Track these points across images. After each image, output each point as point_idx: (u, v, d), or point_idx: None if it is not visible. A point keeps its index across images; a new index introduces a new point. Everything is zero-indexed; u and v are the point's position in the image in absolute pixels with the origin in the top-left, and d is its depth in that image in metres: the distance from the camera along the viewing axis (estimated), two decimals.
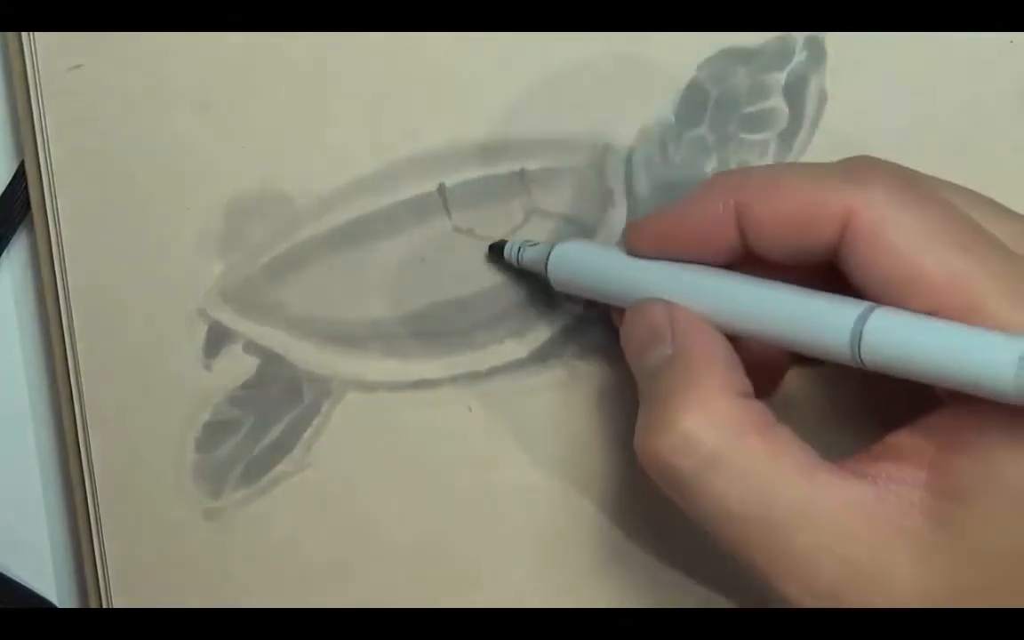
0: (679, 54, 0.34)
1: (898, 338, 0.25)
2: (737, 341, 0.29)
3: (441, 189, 0.34)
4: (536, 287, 0.35)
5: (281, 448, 0.35)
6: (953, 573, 0.26)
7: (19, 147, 0.35)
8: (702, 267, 0.30)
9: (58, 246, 0.34)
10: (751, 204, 0.28)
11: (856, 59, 0.34)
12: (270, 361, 0.35)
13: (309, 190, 0.34)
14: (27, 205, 0.35)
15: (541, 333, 0.35)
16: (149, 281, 0.34)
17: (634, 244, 0.31)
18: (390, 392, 0.35)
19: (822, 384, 0.34)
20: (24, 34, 0.33)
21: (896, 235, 0.26)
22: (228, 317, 0.34)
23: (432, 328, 0.35)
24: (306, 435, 0.35)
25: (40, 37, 0.33)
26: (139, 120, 0.34)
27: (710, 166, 0.34)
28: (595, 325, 0.35)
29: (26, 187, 0.35)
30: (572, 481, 0.35)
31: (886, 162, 0.28)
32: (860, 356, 0.26)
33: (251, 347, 0.35)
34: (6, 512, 0.36)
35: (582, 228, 0.34)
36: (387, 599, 0.35)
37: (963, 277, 0.26)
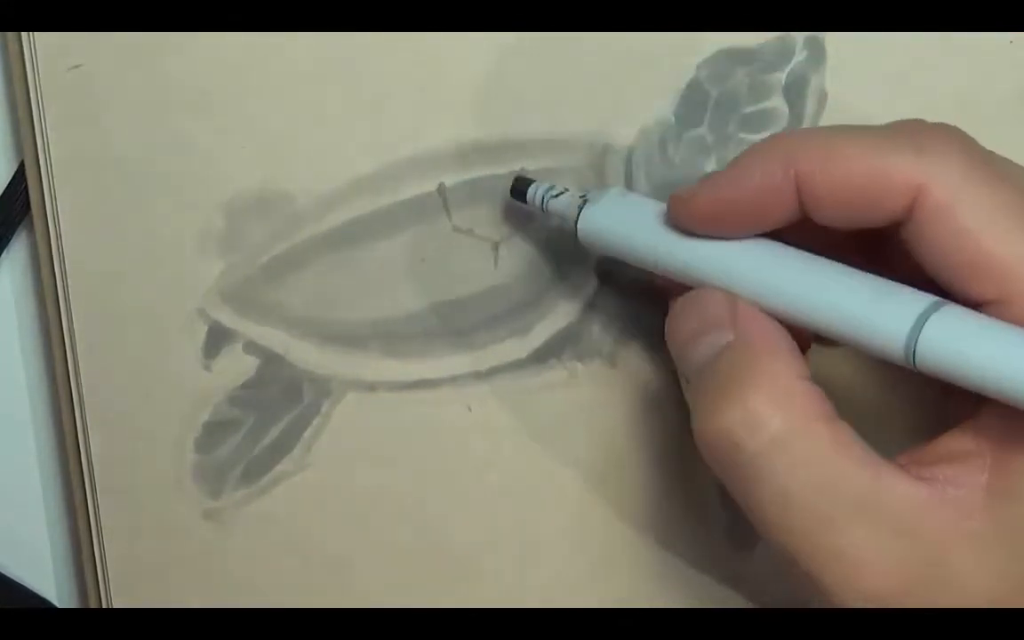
0: (679, 54, 0.34)
1: (954, 350, 0.25)
2: None
3: (441, 189, 0.34)
4: (536, 288, 0.35)
5: (281, 448, 0.35)
6: (1012, 572, 0.25)
7: (19, 147, 0.35)
8: (752, 244, 0.28)
9: (58, 246, 0.34)
10: (812, 172, 0.27)
11: (856, 59, 0.34)
12: (270, 361, 0.35)
13: (309, 190, 0.34)
14: (27, 205, 0.35)
15: (541, 333, 0.35)
16: (149, 281, 0.34)
17: (683, 221, 0.29)
18: (390, 392, 0.35)
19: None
20: (24, 34, 0.33)
21: (967, 217, 0.26)
22: (228, 317, 0.34)
23: (432, 328, 0.35)
24: (306, 435, 0.35)
25: (40, 37, 0.33)
26: (139, 120, 0.34)
27: (710, 166, 0.34)
28: (595, 326, 0.35)
29: (26, 187, 0.35)
30: (572, 481, 0.35)
31: (954, 130, 0.27)
32: (915, 363, 0.25)
33: (251, 347, 0.35)
34: (6, 512, 0.36)
35: None
36: (387, 599, 0.35)
37: None
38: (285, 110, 0.34)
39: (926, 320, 0.25)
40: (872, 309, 0.26)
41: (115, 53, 0.33)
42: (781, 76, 0.34)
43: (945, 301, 0.26)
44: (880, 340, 0.26)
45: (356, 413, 0.35)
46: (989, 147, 0.27)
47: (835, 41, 0.34)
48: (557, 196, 0.32)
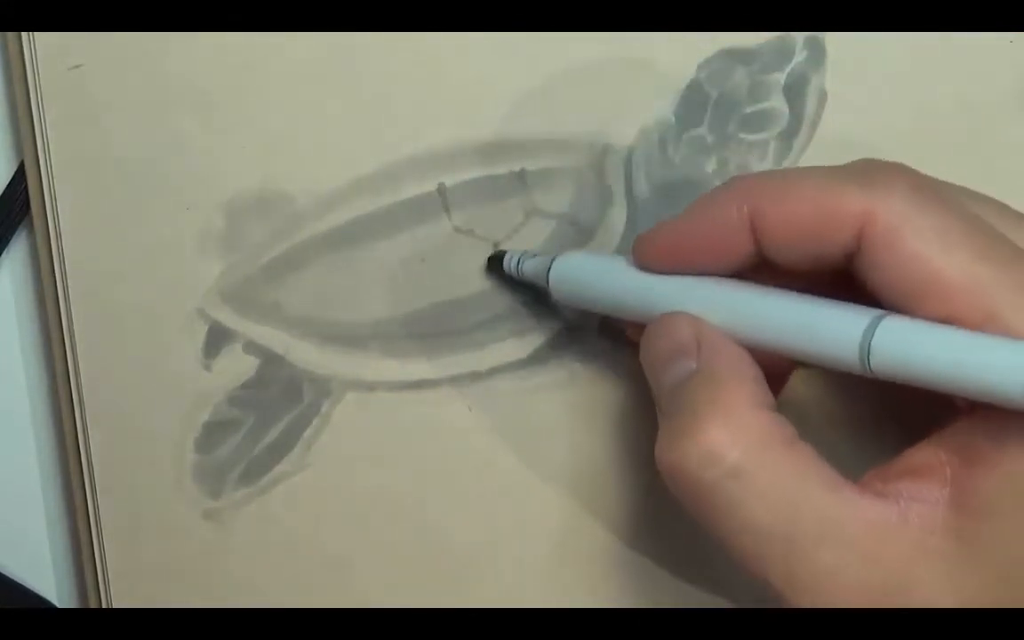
0: (679, 54, 0.34)
1: (907, 347, 0.25)
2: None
3: (441, 189, 0.34)
4: (536, 289, 0.35)
5: (281, 448, 0.35)
6: (977, 590, 0.25)
7: (19, 147, 0.35)
8: (710, 278, 0.29)
9: (58, 246, 0.34)
10: (765, 210, 0.28)
11: (856, 59, 0.34)
12: (270, 361, 0.35)
13: (309, 190, 0.34)
14: (27, 205, 0.35)
15: (542, 334, 0.35)
16: (149, 281, 0.34)
17: (645, 259, 0.30)
18: (390, 392, 0.35)
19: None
20: (24, 34, 0.33)
21: (914, 240, 0.26)
22: (228, 317, 0.34)
23: (432, 328, 0.35)
24: (306, 435, 0.35)
25: (40, 37, 0.33)
26: (139, 120, 0.34)
27: (710, 166, 0.34)
28: (595, 326, 0.35)
29: (26, 187, 0.35)
30: (572, 481, 0.35)
31: (902, 166, 0.28)
32: (870, 365, 0.26)
33: (251, 347, 0.35)
34: (6, 512, 0.36)
35: (582, 228, 0.34)
36: (387, 599, 0.35)
37: (981, 285, 0.25)
38: (285, 110, 0.34)
39: (878, 324, 0.26)
40: (826, 320, 0.27)
41: (115, 53, 0.33)
42: (781, 76, 0.34)
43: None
44: (835, 348, 0.26)
45: (356, 413, 0.35)
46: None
47: (835, 41, 0.34)
48: (532, 257, 0.33)
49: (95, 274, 0.34)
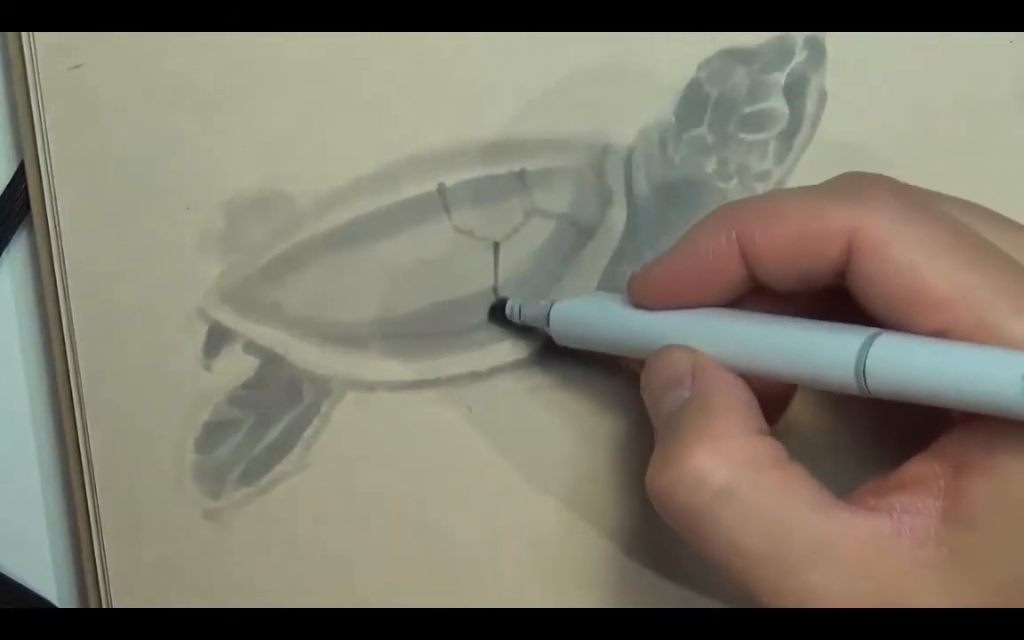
0: (679, 54, 0.34)
1: (902, 364, 0.25)
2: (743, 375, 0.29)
3: (441, 189, 0.34)
4: (536, 288, 0.35)
5: (281, 448, 0.35)
6: (971, 602, 0.25)
7: (19, 147, 0.35)
8: (704, 310, 0.29)
9: (58, 246, 0.34)
10: (752, 233, 0.28)
11: (856, 59, 0.34)
12: (270, 361, 0.35)
13: (309, 190, 0.34)
14: (27, 205, 0.35)
15: (542, 334, 0.35)
16: (149, 281, 0.34)
17: (640, 298, 0.31)
18: (390, 392, 0.35)
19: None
20: (24, 34, 0.33)
21: (902, 251, 0.26)
22: (228, 317, 0.34)
23: (432, 328, 0.35)
24: (306, 435, 0.35)
25: (40, 37, 0.33)
26: (139, 120, 0.34)
27: (710, 166, 0.34)
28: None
29: (26, 187, 0.35)
30: (572, 482, 0.35)
31: (886, 178, 0.28)
32: (867, 386, 0.26)
33: (251, 347, 0.35)
34: (6, 512, 0.36)
35: (582, 228, 0.34)
36: (387, 599, 0.35)
37: (971, 292, 0.25)
38: (285, 110, 0.34)
39: (872, 343, 0.26)
40: (819, 344, 0.27)
41: (115, 53, 0.33)
42: (781, 76, 0.34)
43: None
44: (832, 371, 0.26)
45: (356, 413, 0.35)
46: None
47: (835, 41, 0.34)
48: (532, 305, 0.34)
49: (95, 274, 0.34)
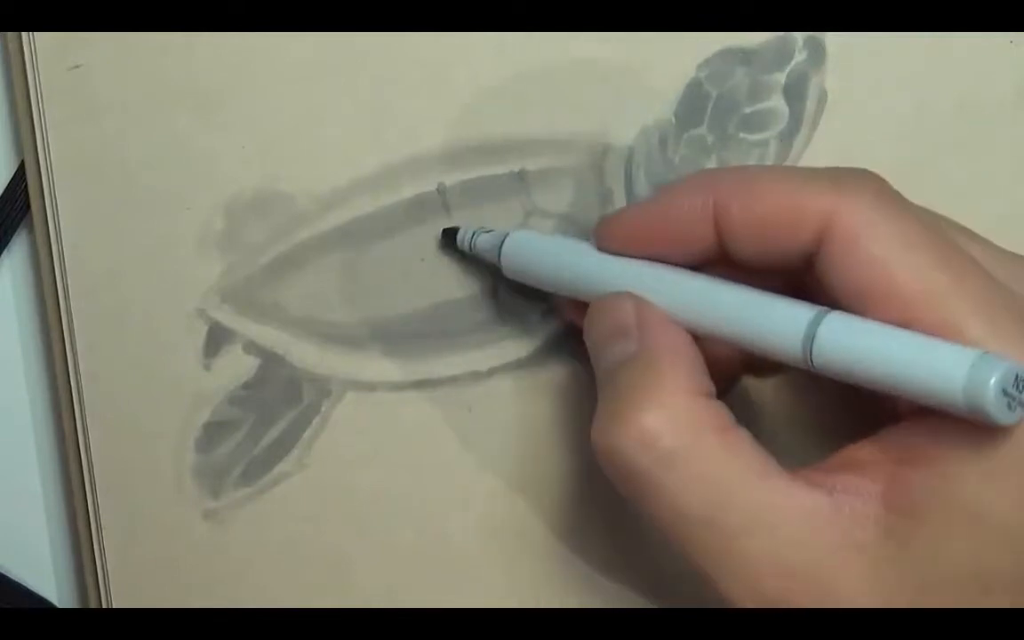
0: (679, 54, 0.34)
1: (850, 343, 0.25)
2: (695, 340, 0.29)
3: (441, 189, 0.34)
4: (536, 287, 0.35)
5: (281, 448, 0.35)
6: (900, 589, 0.26)
7: (19, 147, 0.35)
8: (663, 264, 0.29)
9: (58, 246, 0.34)
10: (729, 203, 0.28)
11: (856, 59, 0.34)
12: (270, 361, 0.35)
13: (309, 190, 0.34)
14: (27, 205, 0.35)
15: (541, 333, 0.35)
16: (149, 281, 0.34)
17: (606, 240, 0.30)
18: (390, 392, 0.35)
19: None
20: (24, 34, 0.33)
21: (874, 243, 0.26)
22: (228, 317, 0.34)
23: (432, 328, 0.35)
24: (306, 435, 0.35)
25: (40, 37, 0.33)
26: (139, 120, 0.34)
27: (710, 166, 0.34)
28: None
29: (26, 187, 0.35)
30: (572, 481, 0.35)
31: (870, 173, 0.28)
32: (812, 360, 0.26)
33: (251, 347, 0.35)
34: (6, 512, 0.36)
35: (582, 228, 0.34)
36: (386, 599, 0.35)
37: (938, 292, 0.25)
38: (285, 110, 0.34)
39: (823, 318, 0.26)
40: (773, 310, 0.27)
41: (115, 53, 0.33)
42: (781, 76, 0.34)
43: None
44: (779, 340, 0.26)
45: (356, 413, 0.35)
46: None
47: (835, 41, 0.34)
48: (486, 233, 0.33)
49: (95, 274, 0.34)
